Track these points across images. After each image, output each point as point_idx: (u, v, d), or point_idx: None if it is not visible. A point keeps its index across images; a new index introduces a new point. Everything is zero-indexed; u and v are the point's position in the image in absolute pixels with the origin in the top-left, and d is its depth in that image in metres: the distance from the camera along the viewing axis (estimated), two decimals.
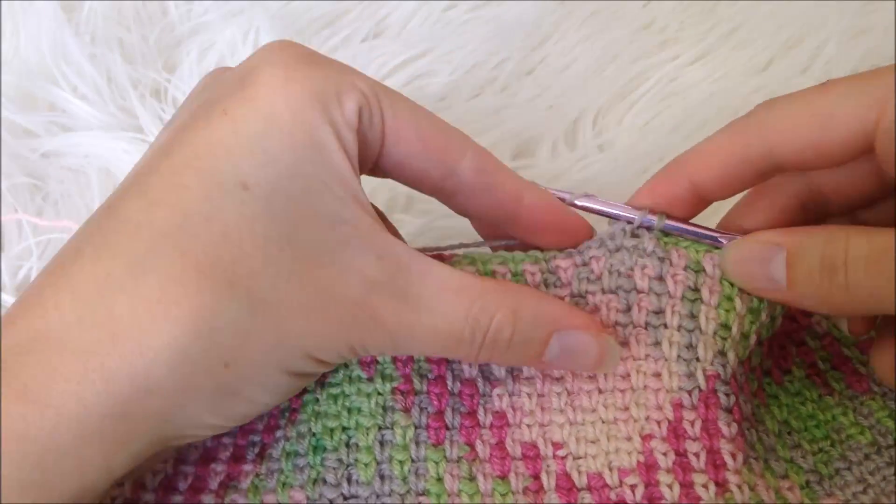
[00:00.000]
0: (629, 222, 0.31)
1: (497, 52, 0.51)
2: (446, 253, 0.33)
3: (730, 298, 0.30)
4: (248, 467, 0.30)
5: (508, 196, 0.31)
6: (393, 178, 0.31)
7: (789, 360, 0.34)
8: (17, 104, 0.49)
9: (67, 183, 0.46)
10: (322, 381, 0.31)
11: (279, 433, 0.30)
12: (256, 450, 0.30)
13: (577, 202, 0.32)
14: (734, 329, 0.29)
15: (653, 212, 0.31)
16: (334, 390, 0.30)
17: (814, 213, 0.31)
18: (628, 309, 0.30)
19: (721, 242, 0.30)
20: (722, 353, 0.29)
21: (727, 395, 0.29)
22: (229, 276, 0.25)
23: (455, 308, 0.28)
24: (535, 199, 0.31)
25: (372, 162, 0.30)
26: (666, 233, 0.31)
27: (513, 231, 0.32)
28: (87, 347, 0.24)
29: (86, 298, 0.24)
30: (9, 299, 0.42)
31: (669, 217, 0.30)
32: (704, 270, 0.30)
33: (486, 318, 0.28)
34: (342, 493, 0.29)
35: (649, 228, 0.31)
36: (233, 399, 0.26)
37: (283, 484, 0.29)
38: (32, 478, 0.24)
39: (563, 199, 0.32)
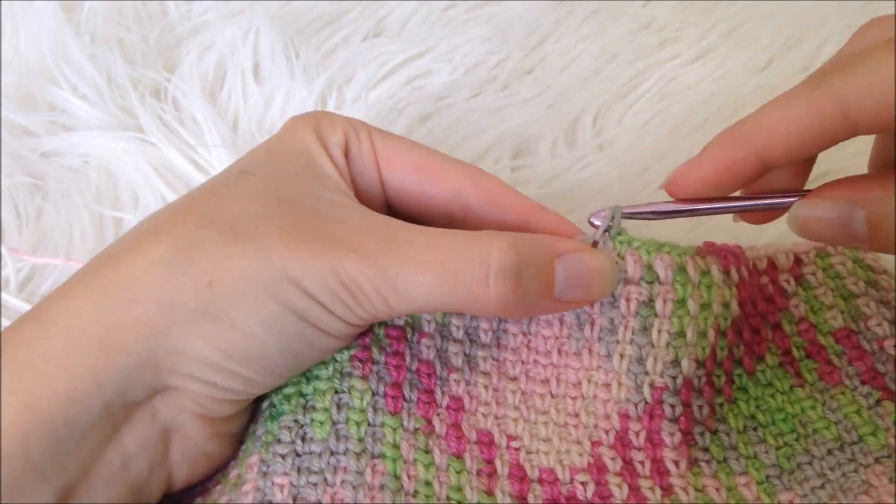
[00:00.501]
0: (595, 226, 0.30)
1: (497, 52, 0.51)
2: None
3: (683, 302, 0.29)
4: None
5: (516, 216, 0.32)
6: (402, 210, 0.33)
7: (763, 346, 0.33)
8: (17, 104, 0.49)
9: (67, 183, 0.46)
10: None
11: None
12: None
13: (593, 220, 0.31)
14: (689, 333, 0.29)
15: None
16: None
17: (837, 138, 0.29)
18: (581, 326, 0.31)
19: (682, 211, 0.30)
20: (675, 363, 0.30)
21: (673, 406, 0.30)
22: (213, 216, 0.28)
23: (452, 248, 0.27)
24: (543, 219, 0.32)
25: (381, 194, 0.33)
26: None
27: None
28: (84, 270, 0.28)
29: (109, 247, 0.29)
30: (10, 299, 0.42)
31: (625, 208, 0.30)
32: (658, 277, 0.30)
33: (485, 249, 0.27)
34: (295, 450, 0.29)
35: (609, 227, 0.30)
36: (224, 324, 0.27)
37: (242, 458, 0.29)
38: (21, 377, 0.25)
39: (592, 224, 0.31)
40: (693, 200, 0.30)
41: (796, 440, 0.31)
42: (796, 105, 0.27)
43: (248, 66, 0.51)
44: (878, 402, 0.31)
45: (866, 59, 0.26)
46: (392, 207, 0.34)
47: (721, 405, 0.31)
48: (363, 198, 0.32)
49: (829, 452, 0.30)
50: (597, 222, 0.30)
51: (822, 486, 0.29)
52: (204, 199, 0.29)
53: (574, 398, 0.31)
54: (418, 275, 0.27)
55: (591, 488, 0.29)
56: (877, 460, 0.30)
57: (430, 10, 0.53)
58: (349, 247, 0.27)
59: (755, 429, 0.31)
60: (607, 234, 0.30)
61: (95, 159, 0.47)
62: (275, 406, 0.30)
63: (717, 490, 0.29)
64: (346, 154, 0.32)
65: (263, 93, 0.50)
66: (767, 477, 0.30)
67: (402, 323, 0.31)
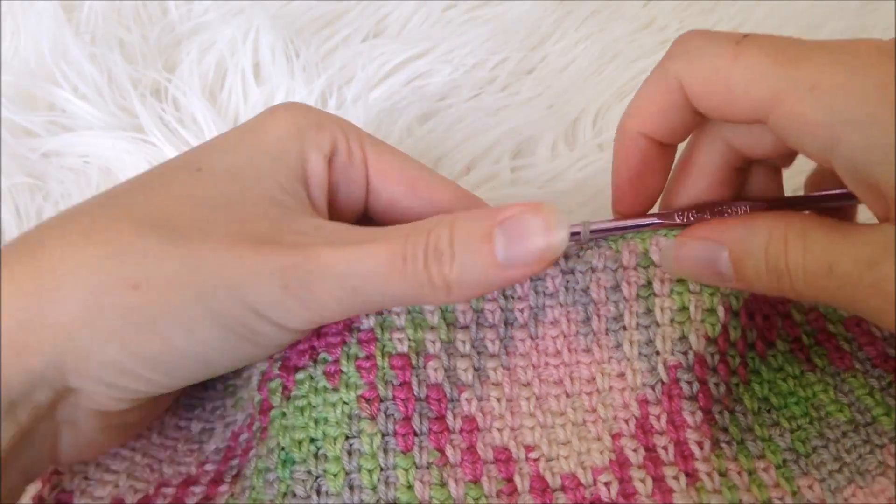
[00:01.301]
0: (575, 234, 0.31)
1: (497, 52, 0.51)
2: None
3: (681, 280, 0.30)
4: (223, 488, 0.30)
5: None
6: (382, 222, 0.32)
7: (773, 333, 0.33)
8: (17, 104, 0.49)
9: (67, 183, 0.46)
10: (288, 395, 0.30)
11: (252, 453, 0.30)
12: (234, 472, 0.31)
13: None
14: (692, 309, 0.30)
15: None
16: (300, 402, 0.30)
17: (740, 166, 0.31)
18: (588, 319, 0.31)
19: (654, 225, 0.31)
20: (682, 339, 0.30)
21: (690, 382, 0.30)
22: (156, 220, 0.27)
23: (395, 233, 0.27)
24: None
25: (362, 202, 0.32)
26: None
27: None
28: (6, 257, 0.26)
29: (30, 235, 0.27)
30: None
31: (595, 222, 0.31)
32: (653, 261, 0.31)
33: (424, 230, 0.27)
34: None
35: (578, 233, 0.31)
36: (144, 330, 0.26)
37: (254, 500, 0.29)
38: None
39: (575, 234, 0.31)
40: (660, 215, 0.31)
41: (809, 423, 0.31)
42: (645, 86, 0.30)
43: (249, 65, 0.51)
44: (889, 384, 0.31)
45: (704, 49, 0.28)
46: (371, 218, 0.33)
47: (737, 385, 0.31)
48: (341, 205, 0.32)
49: (844, 435, 0.30)
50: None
51: (840, 470, 0.29)
52: (148, 195, 0.28)
53: (590, 393, 0.30)
54: (368, 261, 0.26)
55: (614, 488, 0.29)
56: (892, 440, 0.30)
57: (430, 10, 0.53)
58: (298, 249, 0.26)
59: (769, 411, 0.31)
60: (580, 242, 0.31)
61: (96, 159, 0.47)
62: (283, 449, 0.29)
63: (739, 474, 0.29)
64: (331, 159, 0.31)
65: (264, 93, 0.50)
66: (784, 461, 0.30)
67: (405, 349, 0.30)
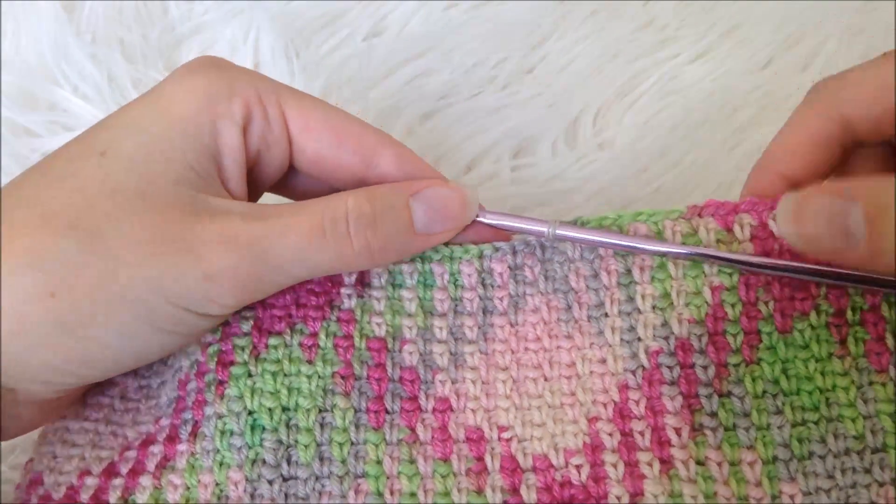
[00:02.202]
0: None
1: (497, 51, 0.51)
2: None
3: (662, 266, 0.30)
4: (182, 447, 0.30)
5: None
6: (317, 175, 0.32)
7: (809, 303, 0.29)
8: (18, 104, 0.49)
9: None
10: (257, 355, 0.31)
11: (209, 409, 0.30)
12: (189, 427, 0.30)
13: (485, 220, 0.32)
14: (674, 294, 0.30)
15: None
16: (272, 367, 0.30)
17: (846, 145, 0.30)
18: (569, 307, 0.31)
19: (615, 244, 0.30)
20: (664, 324, 0.30)
21: (671, 367, 0.29)
22: (72, 219, 0.26)
23: (311, 206, 0.29)
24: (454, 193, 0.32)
25: (286, 160, 0.32)
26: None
27: None
28: None
29: None
30: None
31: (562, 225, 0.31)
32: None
33: (342, 203, 0.29)
34: (282, 474, 0.29)
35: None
36: (72, 335, 0.26)
37: (221, 464, 0.29)
38: None
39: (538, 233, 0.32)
40: (639, 238, 0.30)
41: (816, 423, 0.28)
42: (797, 128, 0.29)
43: (249, 65, 0.51)
44: None
45: (855, 69, 0.28)
46: (301, 174, 0.33)
47: (737, 366, 0.29)
48: (264, 169, 0.32)
49: (846, 452, 0.28)
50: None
51: (828, 491, 0.27)
52: (58, 188, 0.27)
53: (569, 378, 0.31)
54: (287, 234, 0.28)
55: (585, 470, 0.29)
56: (893, 482, 0.27)
57: (430, 9, 0.53)
58: (213, 239, 0.27)
59: (775, 396, 0.29)
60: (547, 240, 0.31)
61: None
62: (251, 414, 0.30)
63: (720, 465, 0.28)
64: (247, 128, 0.30)
65: None
66: (774, 458, 0.28)
67: (382, 334, 0.31)
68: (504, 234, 0.33)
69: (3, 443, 0.38)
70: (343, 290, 0.32)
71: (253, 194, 0.34)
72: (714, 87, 0.50)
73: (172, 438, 0.30)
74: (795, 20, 0.52)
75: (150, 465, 0.30)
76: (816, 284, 0.30)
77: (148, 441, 0.31)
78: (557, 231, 0.30)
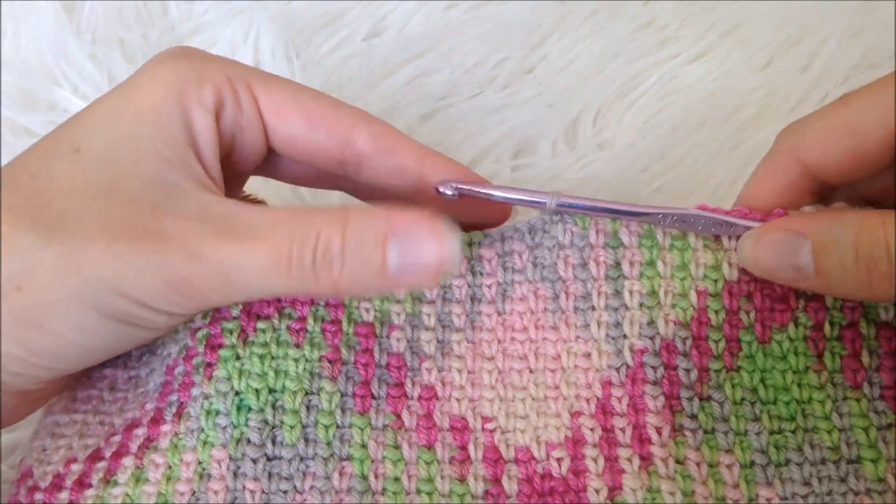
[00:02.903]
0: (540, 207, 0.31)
1: (497, 51, 0.52)
2: None
3: (651, 263, 0.31)
4: (166, 427, 0.30)
5: (410, 161, 0.31)
6: (297, 158, 0.32)
7: (787, 315, 0.30)
8: (18, 104, 0.49)
9: None
10: (245, 338, 0.31)
11: (195, 390, 0.30)
12: (174, 409, 0.30)
13: (486, 191, 0.31)
14: (662, 294, 0.30)
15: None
16: (259, 350, 0.30)
17: (817, 187, 0.31)
18: (556, 296, 0.31)
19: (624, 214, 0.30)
20: (651, 323, 0.30)
21: (654, 367, 0.30)
22: (36, 213, 0.26)
23: (281, 230, 0.26)
24: (437, 163, 0.32)
25: (262, 144, 0.31)
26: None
27: (421, 204, 0.31)
28: None
29: None
30: None
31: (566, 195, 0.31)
32: (622, 242, 0.31)
33: (313, 232, 0.26)
34: (266, 454, 0.29)
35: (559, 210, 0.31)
36: (35, 329, 0.26)
37: (205, 443, 0.29)
38: None
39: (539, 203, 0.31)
40: (643, 206, 0.31)
41: (793, 432, 0.29)
42: (761, 178, 0.31)
43: (249, 65, 0.51)
44: (889, 425, 0.29)
45: (811, 116, 0.29)
46: (280, 156, 0.33)
47: (718, 371, 0.30)
48: (239, 155, 0.32)
49: (822, 461, 0.28)
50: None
51: (805, 497, 0.28)
52: (30, 183, 0.27)
53: (553, 371, 0.31)
54: (252, 260, 0.26)
55: (566, 464, 0.29)
56: (867, 492, 0.28)
57: (430, 9, 0.53)
58: (180, 243, 0.26)
59: (753, 403, 0.29)
60: (550, 215, 0.31)
61: None
62: (238, 394, 0.30)
63: (698, 465, 0.28)
64: (219, 113, 0.30)
65: None
66: (752, 463, 0.28)
67: (371, 319, 0.31)
68: (504, 212, 0.33)
69: (3, 443, 0.38)
70: None
71: (237, 181, 0.34)
72: (714, 87, 0.50)
73: (157, 420, 0.30)
74: (795, 20, 0.52)
75: (133, 447, 0.30)
76: (795, 296, 0.30)
77: (133, 425, 0.31)
78: (560, 200, 0.30)
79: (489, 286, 0.32)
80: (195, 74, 0.29)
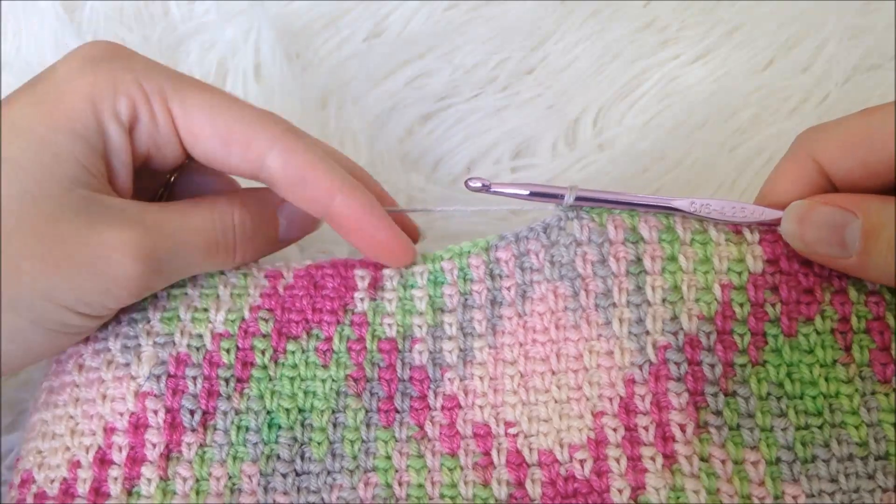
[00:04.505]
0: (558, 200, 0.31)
1: (497, 52, 0.51)
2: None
3: (673, 258, 0.30)
4: (189, 438, 0.30)
5: (320, 194, 0.31)
6: (216, 171, 0.33)
7: (814, 307, 0.30)
8: None
9: None
10: (276, 359, 0.32)
11: (225, 405, 0.31)
12: (197, 418, 0.31)
13: (502, 190, 0.32)
14: (685, 288, 0.30)
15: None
16: (290, 372, 0.32)
17: (832, 189, 0.31)
18: (576, 294, 0.31)
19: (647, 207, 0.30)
20: (674, 319, 0.30)
21: (678, 363, 0.29)
22: None
23: (204, 217, 0.31)
24: (348, 203, 0.32)
25: (180, 157, 0.32)
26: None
27: (336, 231, 0.33)
28: None
29: None
30: None
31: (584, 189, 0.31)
32: (642, 237, 0.31)
33: (229, 217, 0.32)
34: (295, 469, 0.30)
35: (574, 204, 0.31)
36: None
37: (235, 458, 0.30)
38: None
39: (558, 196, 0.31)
40: (659, 198, 0.31)
41: (820, 427, 0.28)
42: (778, 180, 0.31)
43: (249, 66, 0.51)
44: None
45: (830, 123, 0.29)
46: (201, 161, 0.33)
47: (743, 366, 0.29)
48: (158, 164, 0.32)
49: (850, 458, 0.28)
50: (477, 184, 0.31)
51: (832, 495, 0.27)
52: None
53: (576, 371, 0.30)
54: (186, 250, 0.30)
55: (589, 465, 0.29)
56: None
57: (430, 10, 0.53)
58: (114, 249, 0.28)
59: (779, 398, 0.29)
60: (567, 210, 0.31)
61: None
62: (269, 413, 0.31)
63: (723, 463, 0.28)
64: (133, 126, 0.30)
65: (264, 93, 0.50)
66: (778, 460, 0.28)
67: (393, 334, 0.32)
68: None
69: (2, 443, 0.38)
70: (356, 295, 0.33)
71: (153, 189, 0.35)
72: (715, 88, 0.50)
73: (174, 426, 0.31)
74: (796, 21, 0.52)
75: (152, 455, 0.30)
76: (821, 289, 0.30)
77: (137, 424, 0.31)
78: (577, 194, 0.31)
79: (508, 288, 0.32)
80: (112, 83, 0.29)
